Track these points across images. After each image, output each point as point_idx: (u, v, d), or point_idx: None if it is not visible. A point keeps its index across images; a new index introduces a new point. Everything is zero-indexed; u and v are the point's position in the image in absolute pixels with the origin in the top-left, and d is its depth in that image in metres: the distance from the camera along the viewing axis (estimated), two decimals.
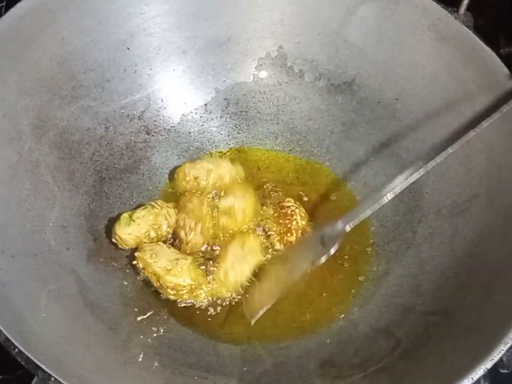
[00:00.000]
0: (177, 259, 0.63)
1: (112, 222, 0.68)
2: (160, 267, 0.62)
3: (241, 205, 0.67)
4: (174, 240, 0.68)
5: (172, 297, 0.63)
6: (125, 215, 0.65)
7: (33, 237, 0.60)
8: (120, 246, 0.66)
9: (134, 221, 0.65)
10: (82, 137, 0.69)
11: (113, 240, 0.65)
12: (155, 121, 0.75)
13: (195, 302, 0.64)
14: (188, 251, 0.66)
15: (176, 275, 0.62)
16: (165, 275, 0.62)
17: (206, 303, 0.64)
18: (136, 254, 0.64)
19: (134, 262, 0.64)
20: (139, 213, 0.65)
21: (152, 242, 0.66)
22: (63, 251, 0.62)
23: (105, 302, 0.62)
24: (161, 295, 0.64)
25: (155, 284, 0.64)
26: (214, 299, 0.64)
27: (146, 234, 0.66)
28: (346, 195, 0.73)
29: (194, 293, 0.63)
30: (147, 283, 0.65)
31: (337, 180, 0.74)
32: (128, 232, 0.65)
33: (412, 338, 0.59)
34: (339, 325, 0.63)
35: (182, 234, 0.67)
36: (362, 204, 0.60)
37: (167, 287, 0.62)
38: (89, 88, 0.69)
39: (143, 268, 0.64)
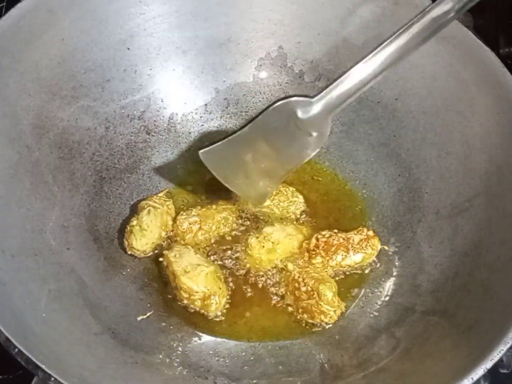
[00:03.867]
0: (198, 265, 0.63)
1: (112, 222, 0.68)
2: (179, 268, 0.63)
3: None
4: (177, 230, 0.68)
5: (185, 301, 0.63)
6: (136, 228, 0.65)
7: (33, 237, 0.60)
8: (138, 256, 0.66)
9: (146, 230, 0.65)
10: (82, 137, 0.69)
11: (130, 252, 0.65)
12: (155, 121, 0.75)
13: (204, 312, 0.63)
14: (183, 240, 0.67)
15: (191, 279, 0.62)
16: (181, 275, 0.62)
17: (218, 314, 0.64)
18: (164, 252, 0.65)
19: (161, 259, 0.65)
20: (147, 219, 0.65)
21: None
22: (63, 251, 0.62)
23: (105, 302, 0.62)
24: (161, 296, 0.64)
25: (171, 284, 0.64)
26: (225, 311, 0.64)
27: (158, 236, 0.66)
28: (346, 195, 0.73)
29: (205, 302, 0.63)
30: (147, 283, 0.65)
31: (337, 180, 0.74)
32: (145, 242, 0.65)
33: (412, 338, 0.59)
34: (339, 325, 0.63)
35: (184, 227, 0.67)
36: (337, 82, 0.57)
37: (181, 288, 0.62)
38: (89, 88, 0.69)
39: (166, 266, 0.64)
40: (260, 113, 0.61)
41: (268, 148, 0.62)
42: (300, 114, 0.59)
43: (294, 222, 0.70)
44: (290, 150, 0.63)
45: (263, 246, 0.66)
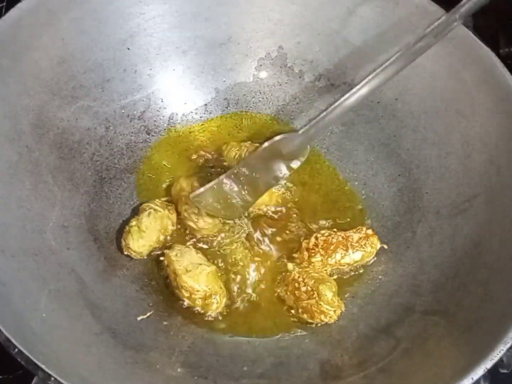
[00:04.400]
0: (200, 264, 0.63)
1: (112, 222, 0.68)
2: (181, 267, 0.63)
3: None
4: (185, 230, 0.68)
5: (186, 300, 0.63)
6: (134, 228, 0.65)
7: (33, 237, 0.60)
8: (134, 258, 0.66)
9: (144, 231, 0.65)
10: (82, 137, 0.69)
11: (127, 253, 0.65)
12: (155, 121, 0.75)
13: (204, 311, 0.63)
14: (205, 236, 0.68)
15: (193, 278, 0.62)
16: (182, 274, 0.62)
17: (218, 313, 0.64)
18: (165, 251, 0.65)
19: (162, 258, 0.65)
20: (146, 221, 0.65)
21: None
22: (63, 251, 0.62)
23: (105, 302, 0.62)
24: (161, 296, 0.64)
25: (172, 284, 0.64)
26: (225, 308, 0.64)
27: (156, 239, 0.66)
28: (346, 195, 0.73)
29: (206, 301, 0.63)
30: (147, 283, 0.65)
31: (337, 180, 0.74)
32: (142, 244, 0.65)
33: (412, 338, 0.59)
34: (339, 325, 0.63)
35: (191, 224, 0.67)
36: (320, 116, 0.63)
37: (182, 287, 0.62)
38: (89, 88, 0.69)
39: (167, 265, 0.64)
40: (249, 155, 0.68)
41: (252, 179, 0.67)
42: (285, 151, 0.66)
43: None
44: (271, 175, 0.68)
45: None
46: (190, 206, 0.67)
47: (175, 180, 0.71)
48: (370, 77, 0.60)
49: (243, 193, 0.67)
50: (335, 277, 0.66)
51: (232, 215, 0.68)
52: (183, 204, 0.68)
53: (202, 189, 0.65)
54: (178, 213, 0.69)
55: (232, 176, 0.66)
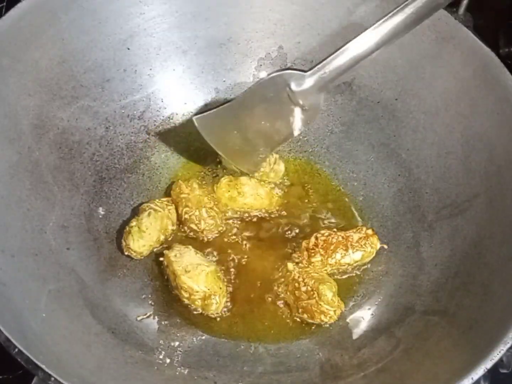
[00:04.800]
0: (199, 264, 0.63)
1: (112, 222, 0.68)
2: (180, 267, 0.63)
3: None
4: (190, 232, 0.68)
5: (186, 301, 0.63)
6: (134, 229, 0.65)
7: (33, 237, 0.60)
8: (135, 258, 0.66)
9: (144, 231, 0.65)
10: (82, 137, 0.69)
11: (127, 253, 0.65)
12: (155, 121, 0.75)
13: (204, 312, 0.63)
14: (208, 238, 0.68)
15: (192, 278, 0.62)
16: (181, 275, 0.62)
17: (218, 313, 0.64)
18: (164, 251, 0.65)
19: (161, 259, 0.65)
20: (146, 221, 0.65)
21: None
22: (63, 251, 0.62)
23: (105, 302, 0.62)
24: (161, 296, 0.64)
25: (172, 284, 0.64)
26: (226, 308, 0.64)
27: (157, 239, 0.66)
28: (346, 195, 0.73)
29: (206, 302, 0.63)
30: (147, 283, 0.65)
31: (337, 180, 0.74)
32: (142, 244, 0.65)
33: (412, 338, 0.59)
34: (339, 325, 0.63)
35: (193, 227, 0.67)
36: (331, 57, 0.59)
37: (181, 288, 0.62)
38: (89, 88, 0.69)
39: (167, 266, 0.64)
40: (255, 83, 0.63)
41: (262, 117, 0.63)
42: (293, 86, 0.61)
43: (269, 188, 0.71)
44: (282, 121, 0.64)
45: (229, 191, 0.69)
46: (191, 208, 0.67)
47: (174, 183, 0.71)
48: (381, 21, 0.57)
49: (256, 134, 0.63)
50: (335, 277, 0.66)
51: (240, 157, 0.64)
52: (184, 207, 0.68)
53: (205, 113, 0.62)
54: (179, 216, 0.68)
55: (238, 104, 0.62)
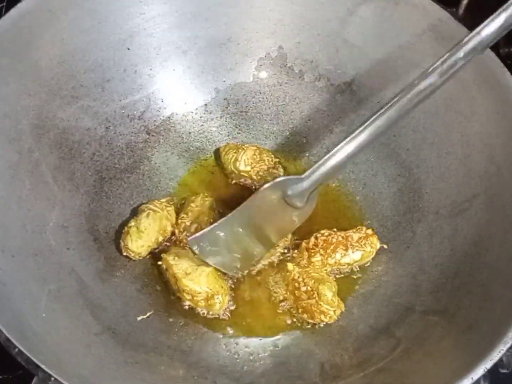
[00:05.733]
0: (199, 265, 0.63)
1: (112, 222, 0.68)
2: (180, 270, 0.62)
3: None
4: (172, 235, 0.68)
5: (189, 303, 0.63)
6: (133, 229, 0.65)
7: (33, 237, 0.60)
8: (133, 259, 0.66)
9: (143, 232, 0.65)
10: (82, 137, 0.69)
11: (125, 254, 0.65)
12: (155, 121, 0.75)
13: (208, 312, 0.63)
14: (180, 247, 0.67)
15: (193, 280, 0.62)
16: (182, 278, 0.62)
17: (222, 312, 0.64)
18: (162, 255, 0.64)
19: (160, 263, 0.64)
20: (145, 222, 0.65)
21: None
22: (63, 251, 0.62)
23: (105, 302, 0.62)
24: (161, 296, 0.64)
25: (173, 287, 0.64)
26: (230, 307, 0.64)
27: (155, 240, 0.66)
28: (346, 195, 0.73)
29: (209, 302, 0.63)
30: (147, 283, 0.65)
31: (337, 180, 0.74)
32: (141, 244, 0.65)
33: (412, 338, 0.59)
34: (339, 325, 0.63)
35: (176, 231, 0.67)
36: (325, 158, 0.60)
37: (183, 291, 0.62)
38: (89, 88, 0.69)
39: (166, 269, 0.64)
40: (253, 196, 0.64)
41: (257, 226, 0.65)
42: (290, 192, 0.62)
43: None
44: (278, 224, 0.66)
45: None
46: (188, 217, 0.67)
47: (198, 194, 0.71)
48: (372, 118, 0.56)
49: (250, 242, 0.65)
50: (335, 277, 0.66)
51: (231, 267, 0.65)
52: (184, 213, 0.68)
53: (199, 233, 0.64)
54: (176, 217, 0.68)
55: (234, 219, 0.64)
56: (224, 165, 0.73)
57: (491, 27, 0.51)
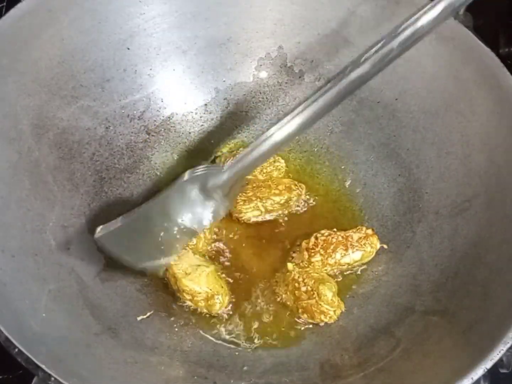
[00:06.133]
0: (199, 265, 0.63)
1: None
2: (180, 270, 0.62)
3: None
4: None
5: (189, 303, 0.63)
6: None
7: (33, 237, 0.60)
8: None
9: None
10: (82, 137, 0.69)
11: None
12: (155, 121, 0.75)
13: (208, 312, 0.63)
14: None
15: (193, 280, 0.62)
16: (182, 278, 0.62)
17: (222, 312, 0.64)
18: None
19: None
20: None
21: None
22: (63, 251, 0.62)
23: (105, 302, 0.62)
24: (161, 296, 0.64)
25: (173, 288, 0.64)
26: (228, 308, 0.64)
27: None
28: (346, 195, 0.73)
29: (209, 302, 0.63)
30: (147, 283, 0.65)
31: (337, 180, 0.74)
32: None
33: (412, 338, 0.59)
34: (339, 325, 0.63)
35: None
36: (248, 150, 0.56)
37: (183, 291, 0.62)
38: (89, 88, 0.69)
39: (166, 269, 0.64)
40: (168, 188, 0.61)
41: (172, 220, 0.61)
42: (210, 184, 0.59)
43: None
44: (195, 218, 0.62)
45: None
46: None
47: None
48: (301, 106, 0.53)
49: (164, 238, 0.61)
50: (335, 276, 0.66)
51: (145, 263, 0.62)
52: None
53: (106, 230, 0.59)
54: None
55: (149, 210, 0.61)
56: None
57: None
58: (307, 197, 0.72)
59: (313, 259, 0.66)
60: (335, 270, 0.66)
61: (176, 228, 0.62)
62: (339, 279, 0.66)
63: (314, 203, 0.72)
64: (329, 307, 0.62)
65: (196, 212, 0.61)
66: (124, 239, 0.60)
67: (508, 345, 0.50)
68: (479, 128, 0.65)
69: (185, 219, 0.61)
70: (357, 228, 0.67)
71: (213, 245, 0.68)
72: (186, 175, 0.59)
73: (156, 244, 0.62)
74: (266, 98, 0.77)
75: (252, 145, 0.56)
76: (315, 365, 0.60)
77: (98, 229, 0.60)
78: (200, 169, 0.59)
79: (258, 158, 0.56)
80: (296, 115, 0.53)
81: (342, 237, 0.66)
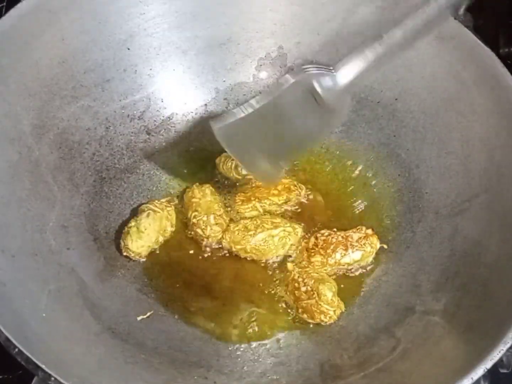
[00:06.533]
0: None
1: (112, 222, 0.68)
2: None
3: None
4: (195, 235, 0.68)
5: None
6: (133, 229, 0.65)
7: (33, 237, 0.60)
8: (133, 259, 0.66)
9: (143, 232, 0.65)
10: (82, 137, 0.69)
11: (125, 254, 0.65)
12: (155, 121, 0.75)
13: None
14: (211, 245, 0.67)
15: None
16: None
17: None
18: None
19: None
20: (145, 222, 0.65)
21: None
22: (63, 251, 0.62)
23: (105, 302, 0.62)
24: (161, 296, 0.64)
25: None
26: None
27: (155, 240, 0.66)
28: (346, 195, 0.73)
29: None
30: (147, 283, 0.65)
31: (337, 180, 0.74)
32: (141, 244, 0.65)
33: (412, 338, 0.59)
34: (339, 325, 0.63)
35: (199, 231, 0.67)
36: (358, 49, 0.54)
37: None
38: (89, 88, 0.69)
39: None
40: (279, 86, 0.57)
41: (285, 124, 0.59)
42: (319, 89, 0.55)
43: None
44: (307, 126, 0.59)
45: None
46: (200, 213, 0.67)
47: (188, 187, 0.71)
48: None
49: (279, 143, 0.58)
50: (335, 277, 0.66)
51: (261, 168, 0.60)
52: (193, 211, 0.68)
53: (229, 120, 0.56)
54: (187, 220, 0.68)
55: (263, 115, 0.56)
56: (226, 174, 0.72)
57: None
58: (307, 197, 0.72)
59: (313, 259, 0.66)
60: (335, 270, 0.66)
61: (287, 132, 0.58)
62: (339, 279, 0.66)
63: (314, 203, 0.72)
64: (329, 307, 0.62)
65: (307, 118, 0.58)
66: (240, 135, 0.57)
67: (508, 345, 0.50)
68: (479, 128, 0.65)
69: (298, 124, 0.58)
70: (357, 228, 0.67)
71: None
72: (293, 77, 0.55)
73: (271, 146, 0.59)
74: None
75: (361, 48, 0.53)
76: (315, 365, 0.60)
77: (213, 121, 0.56)
78: (307, 70, 0.55)
79: (372, 62, 0.53)
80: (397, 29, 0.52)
81: (342, 237, 0.66)
